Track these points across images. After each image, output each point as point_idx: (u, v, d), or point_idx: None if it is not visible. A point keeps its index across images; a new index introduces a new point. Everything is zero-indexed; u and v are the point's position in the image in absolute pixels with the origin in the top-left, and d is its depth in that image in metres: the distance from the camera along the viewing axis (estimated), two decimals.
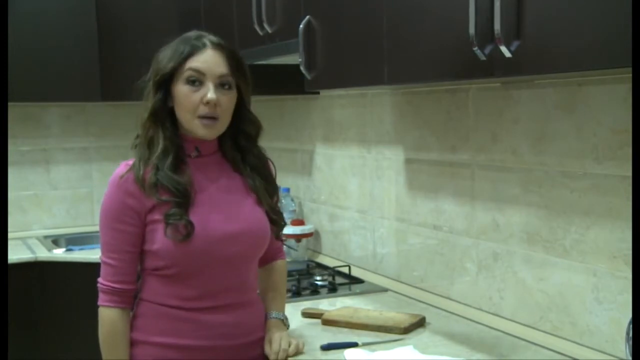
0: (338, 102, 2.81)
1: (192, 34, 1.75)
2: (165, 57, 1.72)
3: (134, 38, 3.45)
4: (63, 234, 3.76)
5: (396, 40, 1.85)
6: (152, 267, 1.73)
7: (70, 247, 3.54)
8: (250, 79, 1.78)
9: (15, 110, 3.57)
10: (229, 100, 1.72)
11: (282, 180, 3.22)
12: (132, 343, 1.75)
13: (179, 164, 1.71)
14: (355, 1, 2.03)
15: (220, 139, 1.79)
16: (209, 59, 1.69)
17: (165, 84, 1.71)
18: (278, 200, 1.90)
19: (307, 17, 2.23)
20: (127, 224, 1.69)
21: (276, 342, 1.77)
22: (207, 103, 1.67)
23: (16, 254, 3.28)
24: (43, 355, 3.18)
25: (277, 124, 3.31)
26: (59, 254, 3.38)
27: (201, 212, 1.71)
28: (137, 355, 1.75)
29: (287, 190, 3.12)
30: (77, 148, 3.89)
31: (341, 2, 2.11)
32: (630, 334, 1.35)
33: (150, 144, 1.71)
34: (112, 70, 3.53)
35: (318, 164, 2.99)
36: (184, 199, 1.68)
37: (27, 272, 3.17)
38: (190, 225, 1.67)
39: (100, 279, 1.73)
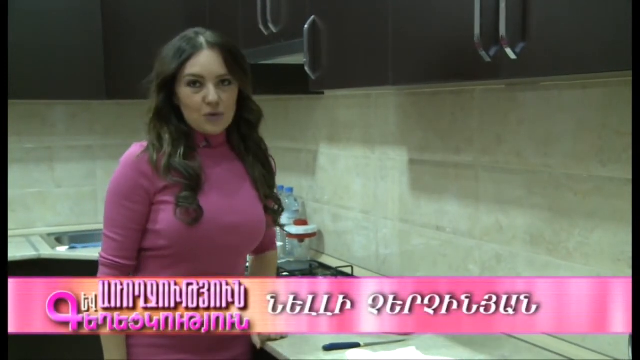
0: (342, 103, 2.81)
1: (191, 33, 1.79)
2: (167, 57, 1.78)
3: (139, 36, 3.45)
4: (66, 232, 3.75)
5: (401, 41, 1.85)
6: (151, 247, 1.79)
7: (73, 244, 3.55)
8: (249, 70, 1.83)
9: (20, 108, 3.58)
10: (230, 96, 1.79)
11: (285, 180, 3.22)
12: None
13: (189, 152, 1.78)
14: (361, 2, 2.03)
15: (227, 130, 1.86)
16: (206, 62, 1.75)
17: (167, 84, 1.78)
18: (276, 188, 1.97)
19: (312, 17, 2.23)
20: (136, 203, 1.76)
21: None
22: (210, 104, 1.75)
23: (19, 251, 3.28)
24: (45, 355, 3.18)
25: (281, 124, 3.31)
26: (63, 251, 3.38)
27: (209, 199, 1.78)
28: (133, 344, 1.79)
29: (291, 190, 3.11)
30: (81, 146, 3.89)
31: (346, 2, 2.11)
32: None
33: (159, 136, 1.79)
34: (117, 68, 3.53)
35: (322, 164, 2.99)
36: (195, 183, 1.76)
37: (30, 270, 3.17)
38: (200, 210, 1.74)
39: (102, 253, 1.79)
